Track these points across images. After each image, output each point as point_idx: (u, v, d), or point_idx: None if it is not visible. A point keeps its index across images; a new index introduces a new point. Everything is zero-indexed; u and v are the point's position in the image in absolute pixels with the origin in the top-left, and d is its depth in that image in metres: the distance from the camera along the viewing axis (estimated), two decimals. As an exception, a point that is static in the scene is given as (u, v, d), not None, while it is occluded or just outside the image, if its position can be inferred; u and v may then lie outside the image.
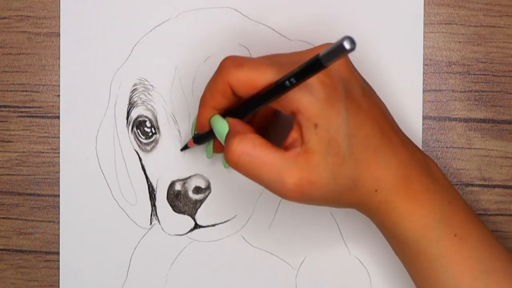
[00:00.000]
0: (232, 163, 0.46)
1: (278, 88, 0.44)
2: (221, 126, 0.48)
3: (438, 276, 0.47)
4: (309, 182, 0.45)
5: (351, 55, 0.47)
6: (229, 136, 0.47)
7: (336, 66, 0.46)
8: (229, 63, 0.46)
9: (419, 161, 0.48)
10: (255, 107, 0.47)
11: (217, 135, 0.48)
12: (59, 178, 0.56)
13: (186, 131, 0.56)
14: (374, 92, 0.49)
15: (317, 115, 0.44)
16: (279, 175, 0.45)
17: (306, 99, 0.44)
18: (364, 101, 0.47)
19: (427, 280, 0.48)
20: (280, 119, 0.55)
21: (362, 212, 0.49)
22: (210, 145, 0.54)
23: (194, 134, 0.52)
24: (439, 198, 0.48)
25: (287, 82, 0.42)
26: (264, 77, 0.45)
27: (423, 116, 0.56)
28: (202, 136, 0.51)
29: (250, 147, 0.45)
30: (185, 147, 0.55)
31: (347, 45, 0.36)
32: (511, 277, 0.47)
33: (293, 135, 0.46)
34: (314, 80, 0.44)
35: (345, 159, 0.45)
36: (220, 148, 0.53)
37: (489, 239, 0.48)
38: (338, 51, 0.37)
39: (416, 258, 0.48)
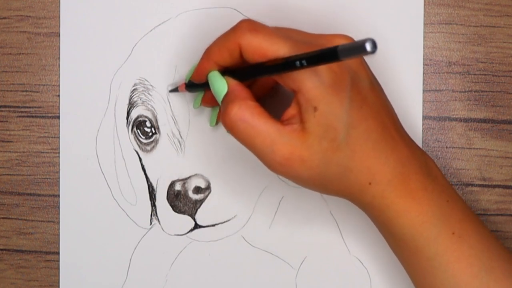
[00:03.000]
0: (228, 127, 0.46)
1: (287, 65, 0.44)
2: (220, 85, 0.48)
3: (436, 274, 0.47)
4: (299, 159, 0.45)
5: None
6: (228, 99, 0.47)
7: None
8: (246, 25, 0.46)
9: (419, 160, 0.48)
10: (258, 75, 0.47)
11: (214, 93, 0.48)
12: (59, 178, 0.56)
13: (186, 131, 0.56)
14: (381, 89, 0.49)
15: (318, 99, 0.45)
16: (272, 146, 0.45)
17: (310, 81, 0.45)
18: (371, 95, 0.47)
19: (425, 278, 0.48)
20: (278, 91, 0.55)
21: (355, 203, 0.49)
22: (199, 96, 0.53)
23: (188, 81, 0.52)
24: (437, 196, 0.48)
25: (297, 63, 0.42)
26: (276, 49, 0.45)
27: (423, 116, 0.56)
28: (196, 85, 0.51)
29: (248, 115, 0.46)
30: (174, 90, 0.55)
31: (368, 47, 0.37)
32: (510, 276, 0.47)
33: (291, 111, 0.46)
34: None
35: (340, 147, 0.45)
36: (210, 102, 0.53)
37: (488, 237, 0.48)
38: (357, 50, 0.37)
39: (414, 256, 0.48)
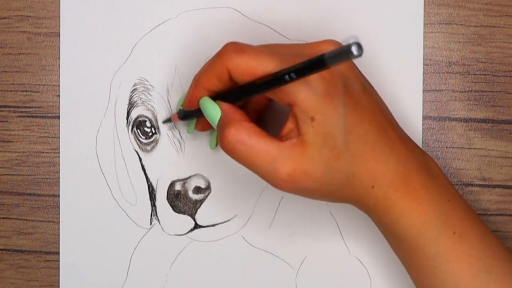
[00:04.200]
0: (227, 151, 0.46)
1: (277, 80, 0.43)
2: (213, 111, 0.48)
3: (437, 274, 0.47)
4: (303, 173, 0.45)
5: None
6: (224, 123, 0.47)
7: None
8: (231, 48, 0.46)
9: (418, 159, 0.48)
10: (250, 95, 0.47)
11: (208, 119, 0.48)
12: (59, 178, 0.56)
13: (186, 132, 0.56)
14: (374, 90, 0.49)
15: (314, 109, 0.44)
16: (273, 164, 0.45)
17: (304, 92, 0.44)
18: (363, 97, 0.47)
19: (426, 278, 0.48)
20: (275, 107, 0.55)
21: (359, 208, 0.49)
22: (192, 122, 0.53)
23: (180, 109, 0.52)
24: (438, 196, 0.48)
25: (286, 77, 0.42)
26: (264, 66, 0.45)
27: (423, 116, 0.56)
28: (188, 113, 0.51)
29: (246, 136, 0.46)
30: (167, 120, 0.55)
31: (354, 50, 0.36)
32: (510, 275, 0.47)
33: (289, 126, 0.46)
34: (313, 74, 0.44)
35: (341, 154, 0.45)
36: (204, 127, 0.53)
37: (488, 237, 0.48)
38: (344, 55, 0.37)
39: (415, 256, 0.48)
